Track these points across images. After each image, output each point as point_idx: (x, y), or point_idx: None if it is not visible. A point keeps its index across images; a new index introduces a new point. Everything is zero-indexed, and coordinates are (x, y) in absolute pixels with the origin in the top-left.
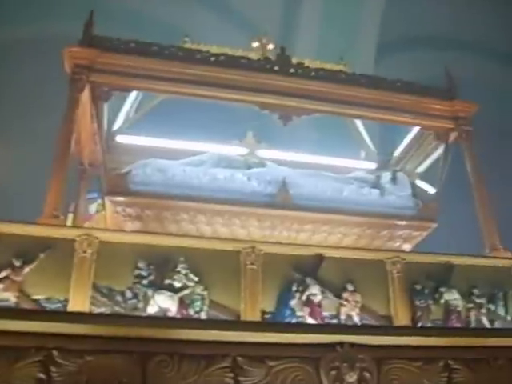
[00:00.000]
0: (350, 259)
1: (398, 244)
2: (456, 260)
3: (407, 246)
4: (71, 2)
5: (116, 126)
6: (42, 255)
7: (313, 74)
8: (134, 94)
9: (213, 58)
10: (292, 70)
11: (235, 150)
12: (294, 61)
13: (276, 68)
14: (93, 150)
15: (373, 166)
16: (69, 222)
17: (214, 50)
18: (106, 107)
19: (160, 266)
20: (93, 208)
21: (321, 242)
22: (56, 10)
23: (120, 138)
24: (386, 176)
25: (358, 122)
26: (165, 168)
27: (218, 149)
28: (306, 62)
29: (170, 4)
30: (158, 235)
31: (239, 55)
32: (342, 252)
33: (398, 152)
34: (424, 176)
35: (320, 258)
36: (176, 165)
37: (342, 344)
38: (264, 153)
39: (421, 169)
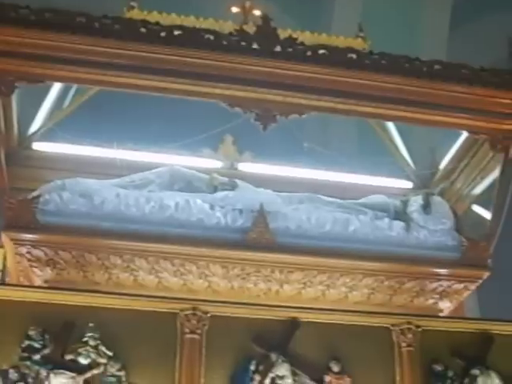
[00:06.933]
0: (337, 325)
1: (431, 301)
2: (498, 328)
3: (447, 305)
4: None
5: (33, 128)
6: None
7: (309, 53)
8: (57, 84)
9: (163, 33)
10: (278, 49)
11: (205, 163)
12: (283, 35)
13: (255, 46)
14: None
15: (408, 185)
16: None
17: (171, 20)
18: (14, 103)
19: (59, 335)
20: None
21: (316, 299)
22: None
23: (38, 146)
24: (416, 201)
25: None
26: (90, 191)
27: (179, 161)
28: (302, 37)
29: None
30: (56, 290)
31: (203, 28)
32: (326, 315)
33: (443, 165)
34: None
35: (294, 323)
36: (107, 186)
37: None
38: (248, 167)
39: (477, 190)
